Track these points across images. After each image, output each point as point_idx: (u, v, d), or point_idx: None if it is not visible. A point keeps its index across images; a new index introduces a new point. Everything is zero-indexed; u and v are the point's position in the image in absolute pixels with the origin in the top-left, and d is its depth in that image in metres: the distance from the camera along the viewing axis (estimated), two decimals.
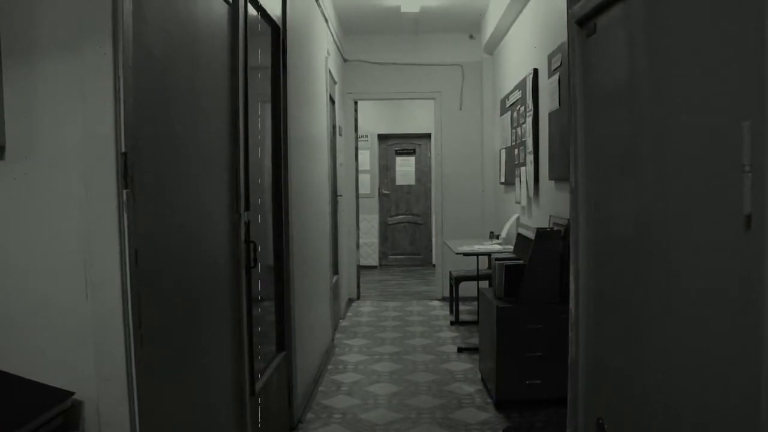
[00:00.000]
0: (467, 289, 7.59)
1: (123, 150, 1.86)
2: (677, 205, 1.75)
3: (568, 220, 2.91)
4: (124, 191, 1.86)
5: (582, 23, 2.46)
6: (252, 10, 3.33)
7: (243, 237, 3.04)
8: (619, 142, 2.21)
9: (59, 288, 1.88)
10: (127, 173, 1.87)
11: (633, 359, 2.12)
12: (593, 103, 2.45)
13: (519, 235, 5.38)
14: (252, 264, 3.15)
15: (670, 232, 1.80)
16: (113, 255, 1.85)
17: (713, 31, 1.55)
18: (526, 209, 5.91)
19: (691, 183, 1.66)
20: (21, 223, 1.88)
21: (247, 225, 3.11)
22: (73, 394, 1.84)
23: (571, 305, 2.72)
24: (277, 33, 4.00)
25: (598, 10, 2.29)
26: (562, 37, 3.95)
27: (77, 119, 1.85)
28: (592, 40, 2.39)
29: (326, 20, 6.26)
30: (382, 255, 12.00)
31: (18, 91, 1.86)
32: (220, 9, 2.83)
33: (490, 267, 6.78)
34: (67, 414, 1.83)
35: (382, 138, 11.90)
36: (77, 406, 1.86)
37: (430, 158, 11.58)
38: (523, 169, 5.97)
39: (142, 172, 1.95)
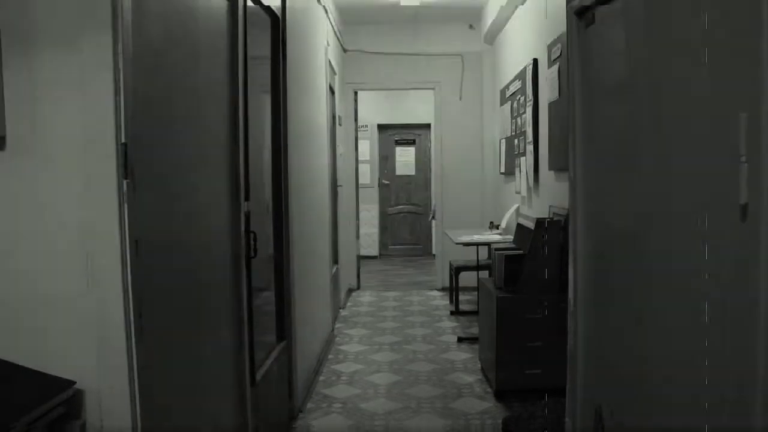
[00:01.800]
0: (467, 278, 7.60)
1: (123, 141, 1.87)
2: (675, 195, 1.76)
3: (568, 210, 2.91)
4: (125, 182, 1.87)
5: (581, 14, 2.46)
6: (251, 1, 3.33)
7: (243, 227, 3.04)
8: (617, 133, 2.21)
9: (60, 278, 1.89)
10: (127, 164, 1.87)
11: (631, 348, 2.14)
12: (592, 94, 2.45)
13: (519, 225, 5.38)
14: (252, 254, 3.16)
15: (668, 221, 1.81)
16: (114, 245, 1.86)
17: (711, 23, 1.55)
18: (526, 199, 5.92)
19: (689, 173, 1.67)
20: (21, 213, 1.89)
21: (247, 215, 3.12)
22: (74, 383, 1.85)
23: (570, 295, 2.74)
24: (277, 23, 4.00)
25: (597, 1, 2.29)
26: (562, 27, 3.95)
27: (77, 110, 1.86)
28: (591, 30, 2.39)
29: (326, 10, 6.25)
30: (382, 245, 12.01)
31: (18, 81, 1.87)
32: None
33: (489, 257, 6.79)
34: (69, 403, 1.84)
35: (382, 128, 11.89)
36: (79, 395, 1.87)
37: (429, 148, 11.57)
38: (522, 159, 5.97)
39: (142, 163, 1.96)
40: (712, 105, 1.54)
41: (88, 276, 1.88)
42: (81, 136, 1.86)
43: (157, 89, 2.16)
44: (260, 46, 3.71)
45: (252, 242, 3.16)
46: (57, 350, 1.88)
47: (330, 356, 5.70)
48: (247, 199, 3.11)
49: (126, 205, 1.87)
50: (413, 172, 11.97)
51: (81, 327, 1.89)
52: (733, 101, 1.43)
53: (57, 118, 1.87)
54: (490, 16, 7.40)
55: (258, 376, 3.26)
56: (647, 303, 1.98)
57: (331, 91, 6.87)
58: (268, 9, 3.72)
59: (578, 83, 2.53)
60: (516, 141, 6.35)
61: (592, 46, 2.41)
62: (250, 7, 3.29)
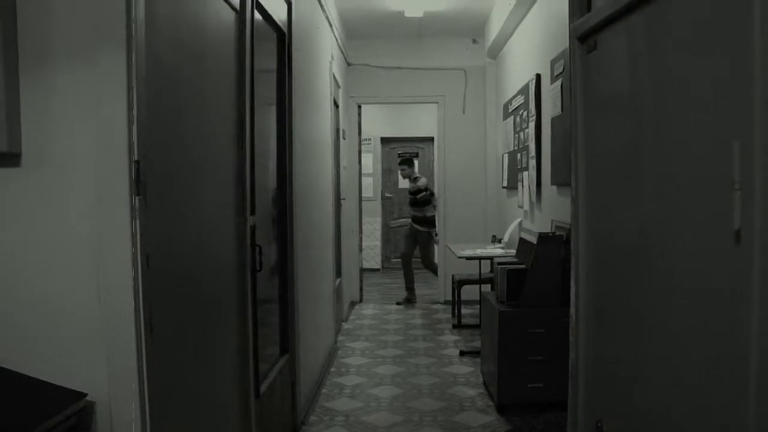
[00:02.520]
0: (469, 292, 7.62)
1: (136, 158, 1.91)
2: (674, 218, 1.80)
3: (570, 224, 2.95)
4: (137, 198, 1.91)
5: (583, 39, 2.50)
6: (258, 16, 3.38)
7: (249, 241, 3.08)
8: (618, 156, 2.25)
9: (73, 292, 1.92)
10: (139, 180, 1.91)
11: (632, 364, 2.16)
12: (593, 117, 2.49)
13: (521, 239, 5.42)
14: (257, 267, 3.20)
15: (667, 242, 1.85)
16: (125, 259, 1.90)
17: (707, 55, 1.60)
18: (529, 213, 5.95)
19: (687, 198, 1.71)
20: (36, 228, 1.93)
21: (253, 229, 3.15)
22: (85, 395, 1.88)
23: (572, 309, 2.76)
24: (283, 38, 4.05)
25: (599, 28, 2.33)
26: (565, 43, 3.99)
27: (91, 128, 1.90)
28: (593, 56, 2.43)
29: (330, 25, 6.31)
30: (385, 258, 12.03)
31: (34, 100, 1.91)
32: (228, 16, 2.88)
33: (492, 270, 6.81)
34: (80, 415, 1.87)
35: (386, 141, 11.94)
36: (90, 407, 1.90)
37: (433, 161, 11.61)
38: (525, 173, 6.01)
39: (153, 179, 2.00)
40: (709, 132, 1.58)
41: (99, 289, 1.92)
42: (95, 153, 1.90)
43: (168, 105, 2.20)
44: (266, 59, 3.76)
45: (258, 255, 3.20)
46: (68, 362, 1.92)
47: (332, 369, 5.72)
48: (252, 212, 3.15)
49: (138, 221, 1.91)
50: None
51: (92, 339, 1.92)
52: (728, 129, 1.47)
53: (71, 136, 1.91)
54: (493, 31, 7.46)
55: (262, 389, 3.29)
56: (648, 319, 2.01)
57: (335, 104, 6.92)
58: (274, 23, 3.78)
59: (580, 106, 2.57)
60: (519, 155, 6.39)
61: (593, 71, 2.45)
62: (257, 21, 3.34)
